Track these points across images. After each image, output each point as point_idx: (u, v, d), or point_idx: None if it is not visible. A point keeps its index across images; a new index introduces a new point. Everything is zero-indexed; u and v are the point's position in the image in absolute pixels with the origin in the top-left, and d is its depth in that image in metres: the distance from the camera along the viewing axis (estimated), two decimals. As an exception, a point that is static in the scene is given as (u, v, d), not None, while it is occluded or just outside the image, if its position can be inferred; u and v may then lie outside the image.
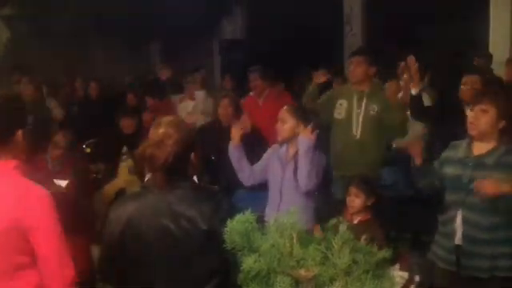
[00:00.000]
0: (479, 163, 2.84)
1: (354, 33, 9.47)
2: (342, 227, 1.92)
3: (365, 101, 4.34)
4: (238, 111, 5.04)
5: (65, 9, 9.09)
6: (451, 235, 2.92)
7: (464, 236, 2.86)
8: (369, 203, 3.54)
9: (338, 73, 6.57)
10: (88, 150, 5.96)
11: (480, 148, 2.87)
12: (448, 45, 8.51)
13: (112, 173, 5.65)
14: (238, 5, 10.76)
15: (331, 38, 9.40)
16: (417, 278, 3.20)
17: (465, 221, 2.84)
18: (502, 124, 2.81)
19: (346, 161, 4.36)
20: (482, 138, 2.86)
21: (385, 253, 1.90)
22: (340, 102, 4.46)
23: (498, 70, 6.46)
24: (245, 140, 3.83)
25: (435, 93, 5.69)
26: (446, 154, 3.08)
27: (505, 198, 2.69)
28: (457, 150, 2.99)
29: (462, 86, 4.17)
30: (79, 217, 2.54)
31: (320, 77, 4.74)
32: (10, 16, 9.46)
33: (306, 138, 3.47)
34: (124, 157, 5.61)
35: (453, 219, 2.90)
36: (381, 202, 3.64)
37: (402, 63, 6.28)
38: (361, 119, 4.32)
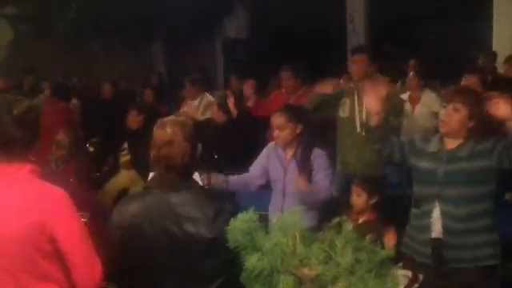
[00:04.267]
0: (452, 156, 2.92)
1: (356, 32, 9.47)
2: (347, 227, 1.91)
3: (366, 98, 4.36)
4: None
5: (65, 9, 9.10)
6: (426, 228, 2.96)
7: (444, 229, 2.91)
8: (371, 202, 3.51)
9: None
10: (91, 149, 5.97)
11: (451, 143, 2.96)
12: (449, 45, 8.51)
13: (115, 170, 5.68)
14: (241, 4, 10.75)
15: (334, 36, 9.40)
16: (420, 277, 3.19)
17: (443, 213, 2.90)
18: (471, 124, 2.91)
19: (353, 158, 4.37)
20: (452, 135, 2.95)
21: (388, 252, 1.90)
22: (344, 100, 4.46)
23: (501, 68, 6.46)
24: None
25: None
26: (417, 143, 3.13)
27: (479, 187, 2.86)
28: (428, 144, 3.06)
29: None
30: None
31: (325, 87, 4.51)
32: (12, 15, 9.48)
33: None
34: (123, 152, 5.64)
35: (428, 212, 2.95)
36: (385, 201, 3.63)
37: (413, 61, 6.31)
38: (364, 116, 4.32)
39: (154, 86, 8.40)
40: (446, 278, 2.93)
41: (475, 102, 2.94)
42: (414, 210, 3.07)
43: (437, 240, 2.93)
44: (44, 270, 1.97)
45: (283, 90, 5.90)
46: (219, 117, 5.48)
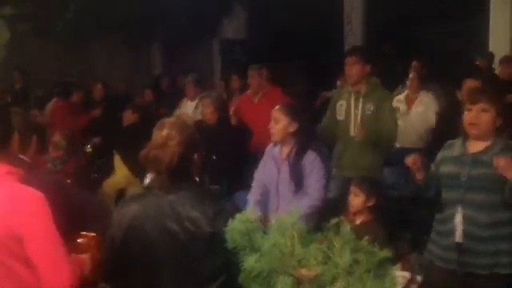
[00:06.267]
0: (476, 160, 2.86)
1: (353, 32, 9.45)
2: (345, 227, 1.91)
3: (361, 101, 4.34)
4: (220, 111, 5.13)
5: (65, 8, 9.09)
6: (449, 233, 2.91)
7: (465, 233, 2.86)
8: (369, 204, 3.51)
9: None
10: (90, 150, 5.98)
11: (476, 146, 2.90)
12: (448, 45, 8.51)
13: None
14: (239, 4, 10.74)
15: (333, 37, 9.39)
16: (418, 278, 3.20)
17: (465, 218, 2.85)
18: (499, 122, 2.84)
19: (347, 162, 4.37)
20: (480, 137, 2.88)
21: (386, 252, 1.90)
22: (340, 103, 4.46)
23: (498, 69, 6.46)
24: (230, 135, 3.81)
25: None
26: (441, 153, 3.09)
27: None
28: (452, 149, 3.02)
29: (464, 90, 4.15)
30: (86, 216, 2.51)
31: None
32: (10, 16, 9.47)
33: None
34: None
35: (451, 217, 2.90)
36: (384, 203, 3.63)
37: (414, 62, 6.31)
38: (359, 120, 4.32)
39: (163, 89, 8.44)
40: (461, 283, 2.90)
41: (499, 99, 2.89)
42: (437, 216, 3.04)
43: (458, 244, 2.88)
44: (18, 274, 1.94)
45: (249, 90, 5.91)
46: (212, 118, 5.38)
